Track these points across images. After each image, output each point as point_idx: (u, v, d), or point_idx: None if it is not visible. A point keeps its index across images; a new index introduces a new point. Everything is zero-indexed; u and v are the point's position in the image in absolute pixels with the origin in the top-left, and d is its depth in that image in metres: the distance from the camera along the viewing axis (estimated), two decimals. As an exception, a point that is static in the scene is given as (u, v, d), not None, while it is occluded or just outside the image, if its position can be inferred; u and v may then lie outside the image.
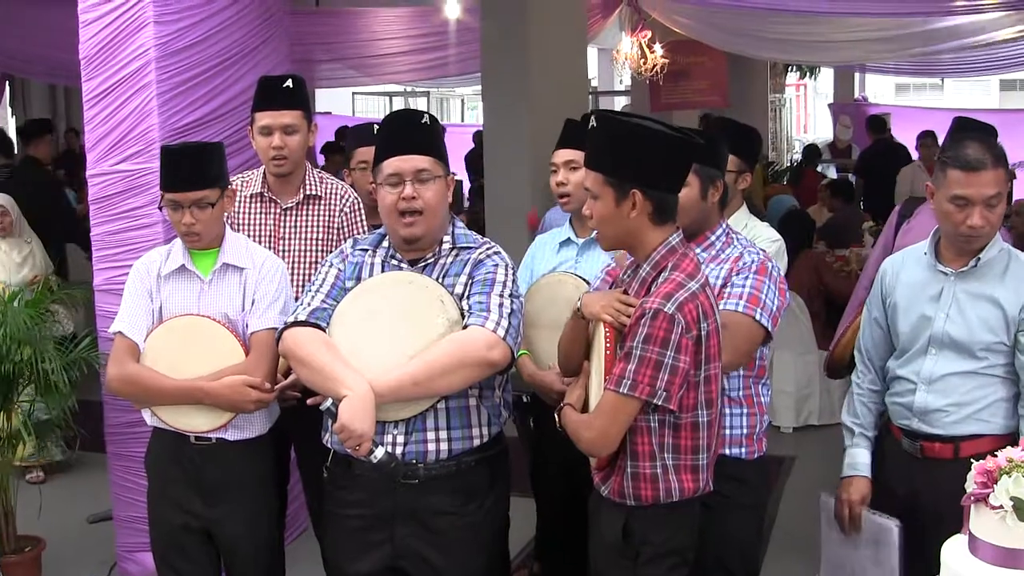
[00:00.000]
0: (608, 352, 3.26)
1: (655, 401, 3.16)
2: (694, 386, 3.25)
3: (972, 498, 2.58)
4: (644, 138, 3.25)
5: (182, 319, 4.05)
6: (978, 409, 3.77)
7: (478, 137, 14.06)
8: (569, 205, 4.64)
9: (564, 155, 4.68)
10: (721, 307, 3.64)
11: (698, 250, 3.80)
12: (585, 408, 3.39)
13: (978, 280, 3.76)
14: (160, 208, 4.11)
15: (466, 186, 14.42)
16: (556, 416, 3.48)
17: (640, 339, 3.16)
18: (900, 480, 3.95)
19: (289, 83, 4.71)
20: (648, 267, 3.32)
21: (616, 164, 3.25)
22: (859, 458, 4.08)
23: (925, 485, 3.81)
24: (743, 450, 3.84)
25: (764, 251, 3.95)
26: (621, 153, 3.25)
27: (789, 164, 19.28)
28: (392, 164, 3.62)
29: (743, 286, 3.74)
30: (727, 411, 3.77)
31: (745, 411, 3.85)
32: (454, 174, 3.82)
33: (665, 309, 3.14)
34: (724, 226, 3.95)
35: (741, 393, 3.85)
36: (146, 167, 5.31)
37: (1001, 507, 2.49)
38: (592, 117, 3.37)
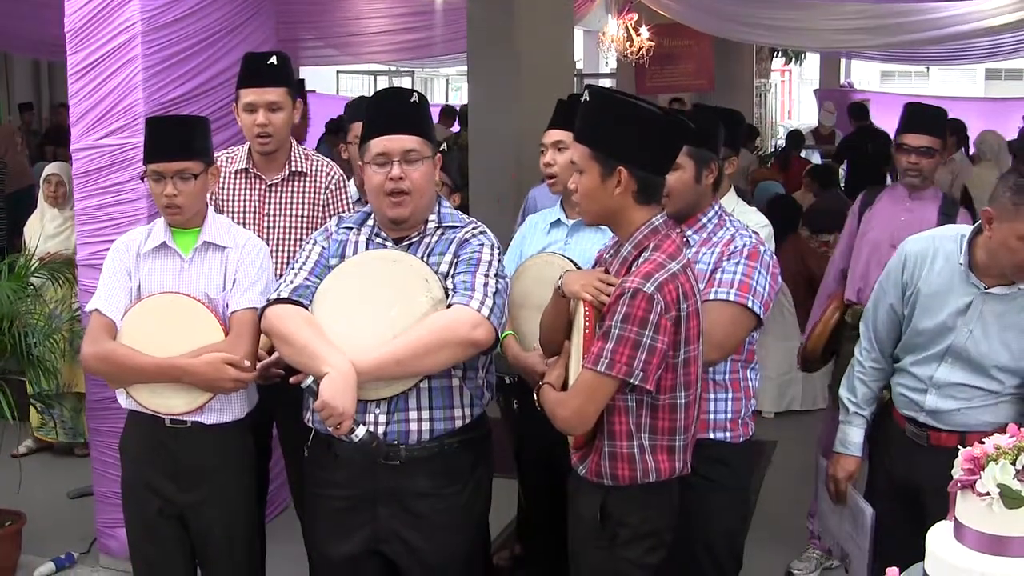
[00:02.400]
0: (587, 331, 3.26)
1: (632, 381, 3.16)
2: (672, 367, 3.24)
3: (958, 484, 2.57)
4: (635, 117, 3.24)
5: (161, 297, 3.97)
6: (988, 410, 3.79)
7: (461, 110, 13.97)
8: (556, 186, 4.63)
9: (553, 135, 4.67)
10: (712, 295, 3.64)
11: (689, 232, 3.79)
12: (565, 387, 3.38)
13: (1009, 302, 3.72)
14: (143, 179, 4.06)
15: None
16: (535, 395, 3.47)
17: (619, 318, 3.15)
18: (901, 465, 3.97)
19: (273, 60, 4.68)
20: (630, 247, 3.31)
21: (604, 140, 3.24)
22: (851, 436, 4.12)
23: (928, 471, 3.78)
24: (728, 434, 3.83)
25: (757, 233, 3.92)
26: (611, 130, 3.23)
27: (773, 150, 19.28)
28: (380, 144, 3.58)
29: (734, 272, 3.71)
30: (712, 395, 3.77)
31: (730, 395, 3.84)
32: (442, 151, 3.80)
33: (644, 289, 3.13)
34: (717, 207, 3.92)
35: (727, 377, 3.83)
36: (130, 141, 5.26)
37: (988, 494, 2.48)
38: (585, 91, 3.36)
